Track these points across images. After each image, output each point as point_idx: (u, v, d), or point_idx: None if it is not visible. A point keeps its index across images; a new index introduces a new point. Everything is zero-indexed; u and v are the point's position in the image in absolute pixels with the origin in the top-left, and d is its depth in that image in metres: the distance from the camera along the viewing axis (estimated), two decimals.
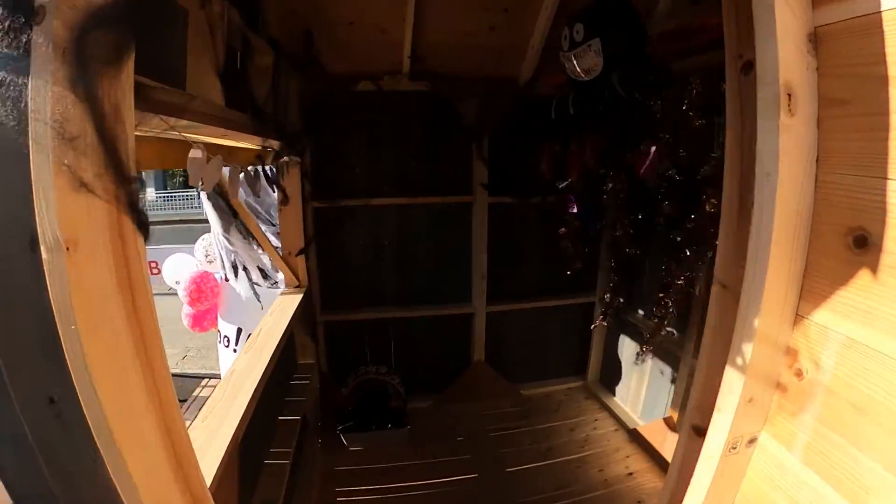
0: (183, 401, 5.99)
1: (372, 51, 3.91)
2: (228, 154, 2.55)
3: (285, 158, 3.60)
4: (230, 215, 4.49)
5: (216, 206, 4.61)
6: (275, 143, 3.12)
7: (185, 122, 1.54)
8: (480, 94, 4.28)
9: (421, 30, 3.80)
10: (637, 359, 4.36)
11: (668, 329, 3.53)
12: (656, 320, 3.60)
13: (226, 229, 4.42)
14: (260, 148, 3.04)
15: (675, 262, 3.56)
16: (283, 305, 3.71)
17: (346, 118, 4.18)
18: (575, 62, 2.96)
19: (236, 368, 2.64)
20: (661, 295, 3.72)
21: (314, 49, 3.66)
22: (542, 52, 4.05)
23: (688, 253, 3.40)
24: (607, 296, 4.47)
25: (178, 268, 4.99)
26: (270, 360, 2.75)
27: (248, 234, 4.45)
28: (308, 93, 3.91)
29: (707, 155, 3.15)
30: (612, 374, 4.96)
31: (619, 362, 4.83)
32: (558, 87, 3.81)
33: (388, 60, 4.02)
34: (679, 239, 3.43)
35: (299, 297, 3.91)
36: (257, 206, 4.56)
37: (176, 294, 5.33)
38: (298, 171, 3.93)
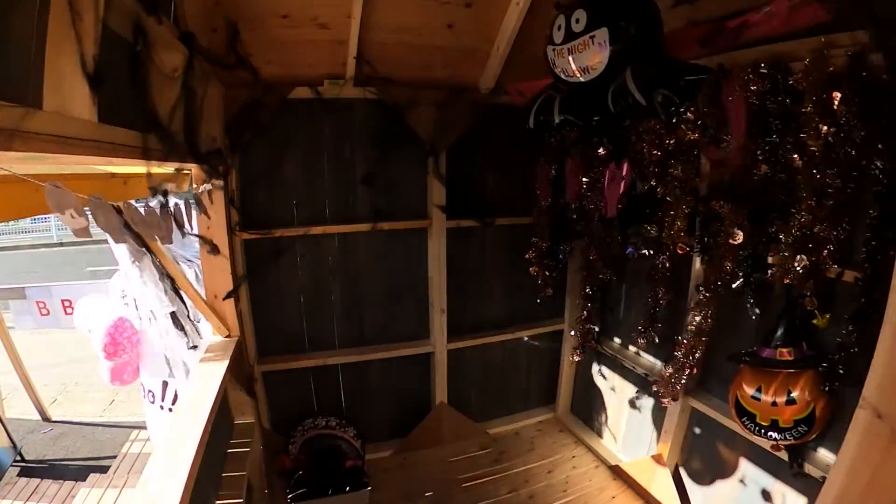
0: (112, 457, 5.30)
1: (311, 51, 3.43)
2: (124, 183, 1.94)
3: (206, 185, 3.04)
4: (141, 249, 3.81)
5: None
6: (188, 166, 2.71)
7: (14, 154, 0.95)
8: (437, 103, 3.85)
9: (368, 27, 3.34)
10: (636, 401, 4.04)
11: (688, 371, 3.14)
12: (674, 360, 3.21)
13: (138, 258, 3.71)
14: (174, 172, 2.52)
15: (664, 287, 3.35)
16: (210, 363, 3.13)
17: (281, 132, 3.64)
18: (570, 58, 2.47)
19: (159, 455, 2.24)
20: (646, 323, 3.51)
21: (241, 47, 3.15)
22: (509, 55, 3.69)
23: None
24: (581, 325, 4.20)
25: (90, 313, 4.23)
26: (201, 439, 2.29)
27: (163, 275, 3.75)
28: (234, 101, 3.35)
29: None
30: (585, 404, 4.73)
31: (593, 392, 4.56)
32: (528, 95, 3.39)
33: (330, 63, 3.53)
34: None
35: (231, 348, 3.32)
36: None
37: None
38: (222, 197, 3.30)
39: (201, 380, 2.90)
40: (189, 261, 3.90)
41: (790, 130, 2.47)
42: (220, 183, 3.20)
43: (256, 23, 3.14)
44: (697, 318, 3.01)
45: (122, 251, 3.61)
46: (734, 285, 2.78)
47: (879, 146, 2.19)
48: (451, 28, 3.52)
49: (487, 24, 3.55)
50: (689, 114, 2.50)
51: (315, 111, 3.65)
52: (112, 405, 7.08)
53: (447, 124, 3.88)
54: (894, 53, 2.07)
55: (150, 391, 4.34)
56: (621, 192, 3.26)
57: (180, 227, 2.56)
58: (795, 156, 2.45)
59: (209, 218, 3.21)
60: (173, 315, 2.99)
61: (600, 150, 3.35)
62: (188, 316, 3.09)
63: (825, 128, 2.31)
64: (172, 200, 2.46)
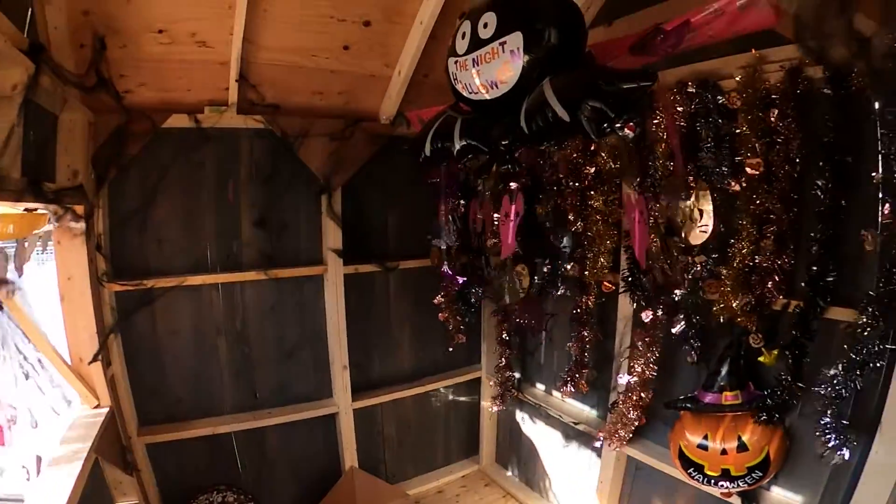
0: None
1: (189, 72, 3.03)
2: None
3: (71, 222, 2.66)
4: None
5: None
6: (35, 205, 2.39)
7: None
8: (331, 134, 3.51)
9: (254, 46, 3.01)
10: (566, 450, 3.78)
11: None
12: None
13: None
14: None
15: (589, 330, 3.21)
16: (72, 444, 2.57)
17: (155, 166, 3.17)
18: (475, 70, 2.05)
19: None
20: (571, 370, 3.32)
21: (107, 67, 2.72)
22: (411, 81, 3.47)
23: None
24: (500, 373, 3.98)
25: None
26: None
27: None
28: (104, 129, 2.89)
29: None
30: (511, 455, 4.45)
31: (519, 442, 4.29)
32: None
33: (212, 87, 3.13)
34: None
35: (100, 421, 2.79)
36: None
37: None
38: (85, 242, 2.80)
39: (63, 463, 2.40)
40: None
41: (724, 153, 2.32)
42: (80, 226, 2.74)
43: (129, 38, 2.74)
44: (637, 367, 2.82)
45: None
46: (674, 330, 2.59)
47: (820, 163, 2.07)
48: (347, 50, 3.24)
49: (388, 46, 3.31)
50: (627, 130, 2.28)
51: (194, 142, 3.23)
52: None
53: (343, 158, 3.56)
54: (833, 66, 1.96)
55: (23, 466, 3.96)
56: (513, 229, 3.01)
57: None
58: (732, 182, 2.30)
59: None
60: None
61: (512, 185, 3.08)
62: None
63: (762, 148, 2.16)
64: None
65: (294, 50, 3.14)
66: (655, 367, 2.79)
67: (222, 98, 3.19)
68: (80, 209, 2.72)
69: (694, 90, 2.41)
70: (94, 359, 2.88)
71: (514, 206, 2.69)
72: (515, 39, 1.88)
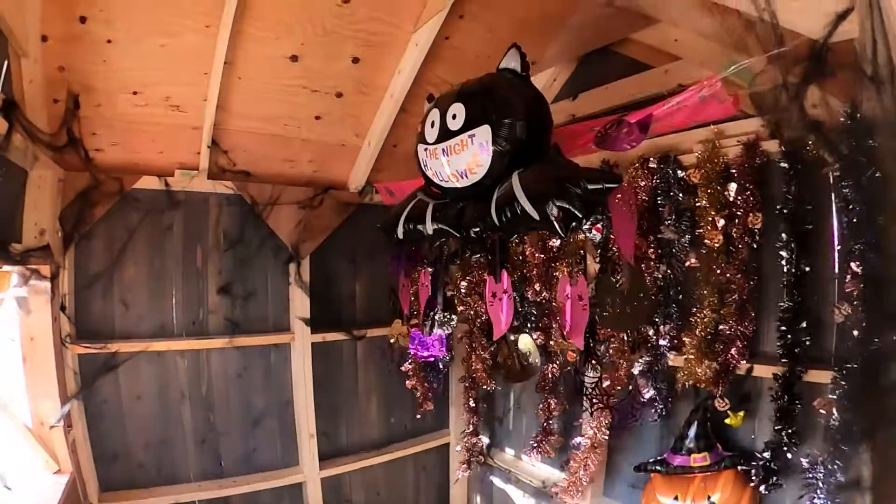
0: None
1: (162, 135, 3.03)
2: None
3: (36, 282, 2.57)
4: None
5: None
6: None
7: None
8: (300, 203, 3.54)
9: (228, 113, 3.05)
10: None
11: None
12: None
13: None
14: None
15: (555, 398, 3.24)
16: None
17: (123, 227, 3.13)
18: (445, 160, 2.07)
19: None
20: (539, 436, 3.31)
21: (79, 125, 2.73)
22: (381, 151, 3.55)
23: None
24: (468, 438, 3.92)
25: None
26: None
27: None
28: (69, 188, 2.85)
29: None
30: None
31: None
32: (398, 195, 3.18)
33: (183, 150, 3.14)
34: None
35: (61, 488, 2.65)
36: None
37: None
38: (49, 302, 2.72)
39: None
40: None
41: (685, 226, 2.42)
42: (45, 286, 2.67)
43: (103, 97, 2.74)
44: (591, 431, 2.86)
45: None
46: (645, 396, 2.63)
47: (783, 235, 2.16)
48: (319, 119, 3.30)
49: (359, 117, 3.39)
50: (594, 231, 2.34)
51: (164, 205, 3.20)
52: None
53: (312, 226, 3.57)
54: (789, 140, 2.09)
55: None
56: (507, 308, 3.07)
57: None
58: (692, 255, 2.40)
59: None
60: None
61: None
62: None
63: (722, 221, 2.27)
64: None
65: (266, 118, 3.19)
66: (607, 431, 2.82)
67: (193, 162, 3.20)
68: (45, 269, 2.65)
69: (655, 165, 2.54)
70: (56, 423, 2.75)
71: (502, 285, 2.64)
72: (484, 133, 1.92)
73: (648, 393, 2.59)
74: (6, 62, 2.17)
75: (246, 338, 3.46)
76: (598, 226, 2.15)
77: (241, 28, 2.68)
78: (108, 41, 2.55)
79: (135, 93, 2.78)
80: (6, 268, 2.40)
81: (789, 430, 2.15)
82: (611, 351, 2.70)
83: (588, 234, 2.01)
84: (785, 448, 2.16)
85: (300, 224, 3.53)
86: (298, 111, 3.22)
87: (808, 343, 2.13)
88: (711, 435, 2.43)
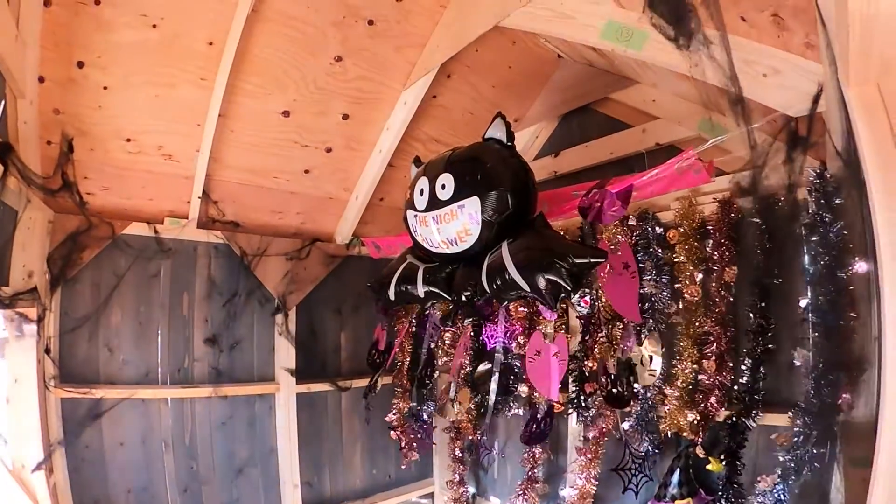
0: None
1: (153, 183, 3.08)
2: None
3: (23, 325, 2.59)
4: None
5: None
6: None
7: None
8: (288, 254, 3.58)
9: (219, 164, 3.13)
10: None
11: None
12: None
13: None
14: None
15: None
16: None
17: (111, 272, 3.12)
18: (434, 227, 2.14)
19: None
20: (524, 484, 3.29)
21: (72, 169, 2.75)
22: (368, 204, 3.64)
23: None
24: (454, 488, 3.86)
25: None
26: None
27: None
28: (58, 230, 2.86)
29: None
30: None
31: None
32: (385, 251, 3.31)
33: (174, 199, 3.18)
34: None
35: None
36: None
37: None
38: (34, 345, 2.71)
39: None
40: None
41: (664, 281, 2.51)
42: (32, 330, 2.68)
43: (96, 142, 2.79)
44: (579, 481, 2.85)
45: None
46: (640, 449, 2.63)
47: (753, 287, 2.26)
48: (308, 173, 3.39)
49: (347, 172, 3.48)
50: (582, 303, 2.41)
51: (152, 252, 3.21)
52: None
53: (299, 277, 3.61)
54: (761, 197, 2.17)
55: None
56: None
57: None
58: (673, 308, 2.47)
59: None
60: None
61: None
62: None
63: (700, 275, 2.35)
64: None
65: (257, 170, 3.26)
66: (596, 481, 2.83)
67: (183, 211, 3.24)
68: (31, 312, 2.65)
69: (634, 222, 2.63)
70: (38, 467, 2.70)
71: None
72: (473, 203, 2.00)
73: (642, 445, 2.60)
74: (3, 101, 2.22)
75: (231, 387, 3.44)
76: (586, 298, 2.22)
77: (236, 83, 2.79)
78: (105, 87, 2.63)
79: (128, 139, 2.84)
80: None
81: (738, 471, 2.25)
82: (597, 403, 2.73)
83: (577, 306, 2.07)
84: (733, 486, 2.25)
85: (287, 275, 3.57)
86: (288, 164, 3.29)
87: (765, 387, 2.23)
88: (694, 481, 2.43)
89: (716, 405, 2.31)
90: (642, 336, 2.50)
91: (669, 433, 2.46)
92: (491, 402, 2.78)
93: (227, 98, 2.81)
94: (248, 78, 2.83)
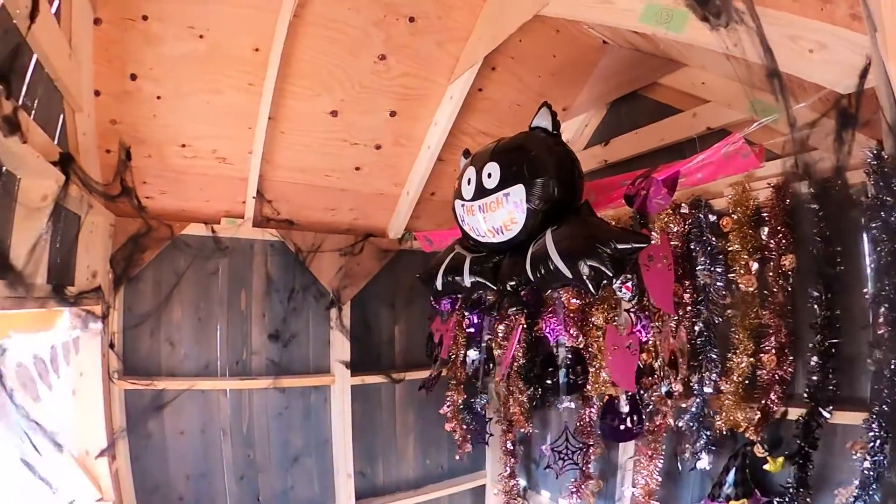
0: None
1: (209, 185, 3.19)
2: None
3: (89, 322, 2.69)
4: None
5: None
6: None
7: None
8: (341, 250, 3.64)
9: (271, 164, 3.21)
10: None
11: None
12: None
13: None
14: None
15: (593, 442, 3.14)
16: None
17: (171, 271, 3.27)
18: (481, 216, 2.16)
19: None
20: (577, 483, 3.19)
21: (131, 175, 2.88)
22: (419, 199, 3.66)
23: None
24: (505, 481, 3.85)
25: None
26: None
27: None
28: (124, 232, 3.01)
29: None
30: None
31: None
32: (437, 244, 3.27)
33: (229, 200, 3.30)
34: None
35: None
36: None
37: None
38: (99, 341, 2.86)
39: None
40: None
41: (718, 271, 2.42)
42: (99, 326, 2.81)
43: (153, 149, 2.92)
44: (641, 479, 2.78)
45: None
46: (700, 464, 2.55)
47: (817, 276, 2.13)
48: (359, 171, 3.43)
49: (397, 168, 3.50)
50: (624, 290, 2.37)
51: (210, 251, 3.34)
52: None
53: (352, 272, 3.67)
54: (818, 180, 2.08)
55: None
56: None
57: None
58: (728, 298, 2.39)
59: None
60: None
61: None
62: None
63: (755, 264, 2.26)
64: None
65: (308, 169, 3.33)
66: (659, 479, 2.76)
67: (239, 211, 3.34)
68: (96, 309, 2.78)
69: (687, 210, 2.55)
70: (101, 454, 2.86)
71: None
72: (518, 191, 2.00)
73: (699, 441, 2.53)
74: (61, 115, 2.34)
75: (288, 379, 3.54)
76: (629, 284, 2.17)
77: (283, 86, 2.85)
78: (158, 97, 2.74)
79: (183, 145, 2.95)
80: (60, 308, 2.53)
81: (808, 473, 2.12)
82: (654, 398, 2.67)
83: (619, 293, 2.03)
84: (801, 490, 2.13)
85: (341, 270, 3.63)
86: (339, 163, 3.35)
87: (835, 384, 2.09)
88: (750, 481, 2.36)
89: (776, 401, 2.22)
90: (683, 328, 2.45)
91: (724, 429, 2.37)
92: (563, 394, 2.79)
93: (276, 101, 2.88)
94: (294, 81, 2.89)
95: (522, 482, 3.91)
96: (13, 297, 1.72)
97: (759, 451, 2.26)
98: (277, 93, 2.84)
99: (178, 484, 3.33)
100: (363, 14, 2.74)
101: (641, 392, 2.72)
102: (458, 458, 3.82)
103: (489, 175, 2.09)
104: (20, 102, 1.68)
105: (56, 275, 2.31)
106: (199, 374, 3.36)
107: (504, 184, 2.04)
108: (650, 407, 2.72)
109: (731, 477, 2.39)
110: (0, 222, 1.72)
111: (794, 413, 2.21)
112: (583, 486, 3.20)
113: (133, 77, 2.64)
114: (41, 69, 1.97)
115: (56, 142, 2.26)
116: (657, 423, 2.69)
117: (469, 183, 2.19)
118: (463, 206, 2.23)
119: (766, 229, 2.27)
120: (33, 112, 1.97)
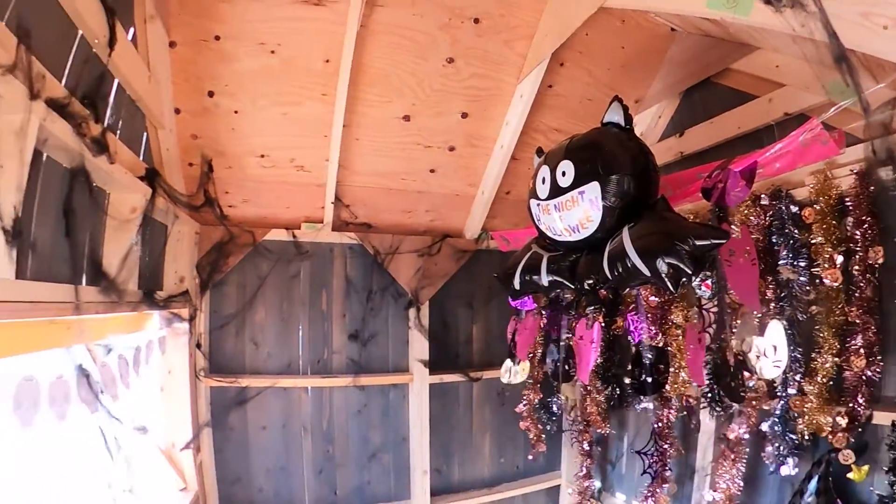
0: None
1: (288, 193, 3.35)
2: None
3: (176, 324, 2.86)
4: None
5: None
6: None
7: None
8: (419, 251, 3.71)
9: (348, 170, 3.31)
10: None
11: None
12: None
13: None
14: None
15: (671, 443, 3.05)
16: None
17: (254, 274, 3.45)
18: (557, 215, 2.13)
19: None
20: (654, 486, 3.11)
21: (213, 186, 3.05)
22: (495, 199, 3.67)
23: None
24: (580, 482, 3.78)
25: None
26: None
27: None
28: (208, 239, 3.20)
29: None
30: None
31: None
32: (513, 244, 3.24)
33: (308, 206, 3.44)
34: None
35: (187, 501, 2.94)
36: None
37: None
38: (186, 341, 3.07)
39: None
40: None
41: (802, 265, 2.30)
42: (185, 326, 3.00)
43: (233, 160, 3.08)
44: (723, 484, 2.64)
45: None
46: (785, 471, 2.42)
47: None
48: (433, 172, 3.49)
49: (471, 168, 3.53)
50: (704, 287, 2.28)
51: (291, 255, 3.50)
52: None
53: (430, 273, 3.73)
54: None
55: None
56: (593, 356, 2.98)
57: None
58: (812, 294, 2.26)
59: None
60: None
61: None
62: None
63: (840, 257, 2.13)
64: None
65: (384, 174, 3.41)
66: (741, 484, 2.65)
67: (318, 216, 3.48)
68: (184, 312, 2.94)
69: (767, 202, 2.44)
70: (186, 446, 3.04)
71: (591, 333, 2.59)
72: (593, 189, 1.96)
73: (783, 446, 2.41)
74: (145, 133, 2.50)
75: (367, 377, 3.64)
76: (708, 282, 2.10)
77: (356, 94, 2.95)
78: (235, 112, 2.90)
79: (262, 155, 3.11)
80: (150, 312, 2.71)
81: None
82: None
83: (698, 291, 1.96)
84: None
85: (419, 271, 3.70)
86: (414, 166, 3.42)
87: None
88: (832, 490, 2.21)
89: (862, 404, 2.07)
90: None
91: (807, 433, 2.24)
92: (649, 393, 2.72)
93: (349, 109, 2.98)
94: (366, 89, 2.99)
95: (597, 483, 3.83)
96: (107, 301, 1.85)
97: (843, 458, 2.12)
98: (350, 101, 2.94)
99: (258, 476, 3.50)
100: (428, 19, 2.79)
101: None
102: (530, 457, 3.83)
103: (563, 173, 2.06)
104: (106, 124, 1.81)
105: (146, 281, 2.48)
106: (281, 372, 3.51)
107: (578, 182, 2.00)
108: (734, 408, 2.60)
109: (812, 485, 2.24)
110: (92, 234, 1.86)
111: (881, 417, 2.06)
112: (658, 490, 3.13)
113: (210, 94, 2.80)
114: (123, 91, 2.12)
115: (142, 158, 2.43)
116: (741, 424, 2.59)
117: (543, 182, 2.16)
118: (538, 205, 2.20)
119: (851, 220, 2.12)
120: (119, 132, 2.12)
